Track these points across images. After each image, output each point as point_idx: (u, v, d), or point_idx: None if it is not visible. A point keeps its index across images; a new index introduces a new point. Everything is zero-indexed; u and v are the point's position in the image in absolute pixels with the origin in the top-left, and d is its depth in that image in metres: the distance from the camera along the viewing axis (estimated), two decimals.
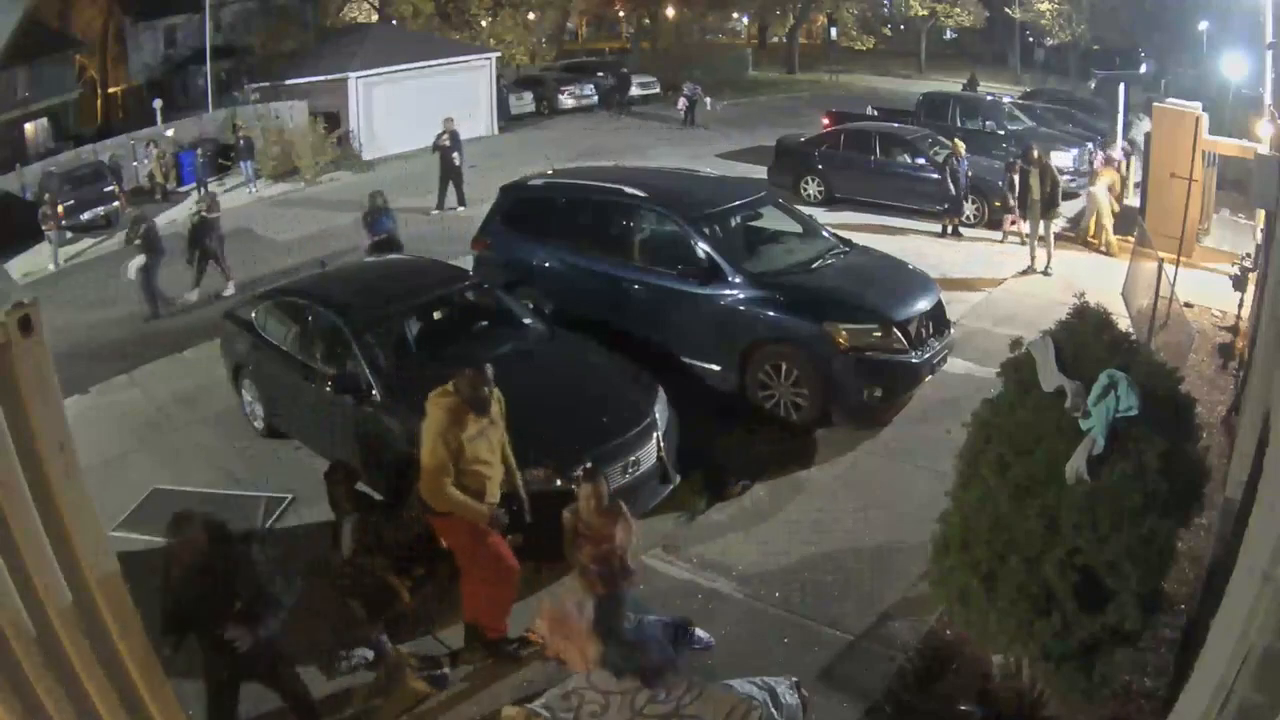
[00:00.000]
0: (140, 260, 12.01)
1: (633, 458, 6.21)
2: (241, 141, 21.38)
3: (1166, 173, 12.34)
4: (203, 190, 20.51)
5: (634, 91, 31.00)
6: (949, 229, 13.56)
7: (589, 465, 5.17)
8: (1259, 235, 10.93)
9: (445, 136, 16.64)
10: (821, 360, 7.52)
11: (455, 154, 16.68)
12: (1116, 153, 14.58)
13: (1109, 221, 12.94)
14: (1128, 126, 15.98)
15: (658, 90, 31.33)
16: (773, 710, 4.64)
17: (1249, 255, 10.65)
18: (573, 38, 52.61)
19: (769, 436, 7.62)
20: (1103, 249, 12.92)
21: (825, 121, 19.66)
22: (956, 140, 14.34)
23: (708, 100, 27.50)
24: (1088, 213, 13.46)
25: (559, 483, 5.70)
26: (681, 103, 26.56)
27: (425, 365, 6.79)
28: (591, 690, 4.88)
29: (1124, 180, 14.11)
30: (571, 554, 5.12)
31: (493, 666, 5.26)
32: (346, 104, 23.62)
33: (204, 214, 12.87)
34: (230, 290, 12.68)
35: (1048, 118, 19.43)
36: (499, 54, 29.44)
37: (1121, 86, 16.62)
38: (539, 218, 9.47)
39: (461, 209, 16.48)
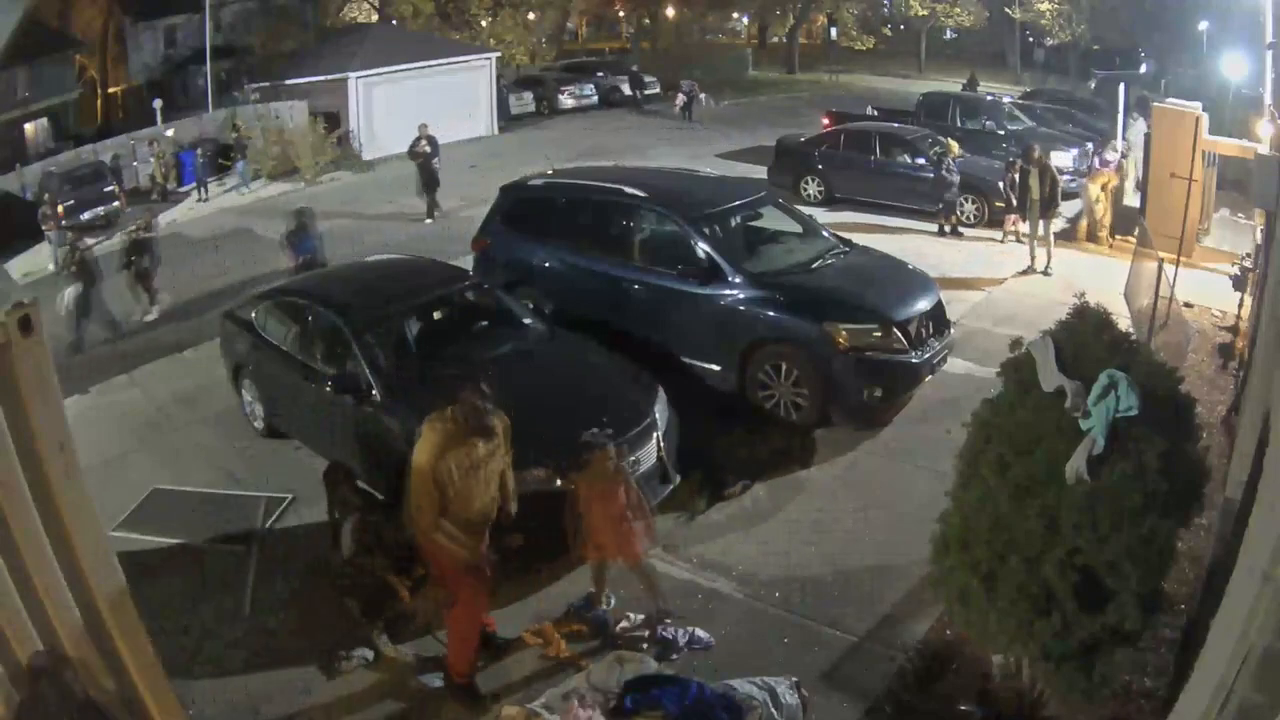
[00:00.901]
0: (75, 289, 11.24)
1: (633, 458, 6.20)
2: (234, 141, 21.37)
3: (1166, 173, 12.34)
4: (203, 190, 20.56)
5: (633, 91, 31.03)
6: (945, 228, 13.58)
7: (594, 431, 5.17)
8: (1259, 235, 10.95)
9: (423, 143, 16.04)
10: (821, 360, 7.52)
11: (435, 160, 16.14)
12: (1112, 154, 14.59)
13: (1100, 212, 13.07)
14: (1126, 127, 15.98)
15: (658, 90, 31.36)
16: (773, 710, 4.65)
17: (1249, 255, 10.66)
18: (573, 38, 52.60)
19: (769, 436, 7.62)
20: (1089, 238, 13.08)
21: (825, 121, 19.66)
22: (950, 140, 14.34)
23: (702, 96, 27.84)
24: (1084, 213, 13.54)
25: (559, 483, 5.69)
26: (679, 99, 27.31)
27: (425, 365, 6.80)
28: (591, 690, 4.90)
29: (1122, 180, 14.13)
30: (572, 525, 5.25)
31: (493, 666, 5.25)
32: (346, 104, 23.64)
33: (138, 234, 12.32)
34: (153, 315, 12.10)
35: (1048, 118, 19.42)
36: (499, 54, 29.46)
37: (1121, 86, 16.60)
38: (539, 218, 9.47)
39: (428, 220, 16.07)
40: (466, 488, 4.74)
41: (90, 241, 12.96)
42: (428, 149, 16.03)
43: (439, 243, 13.38)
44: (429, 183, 16.20)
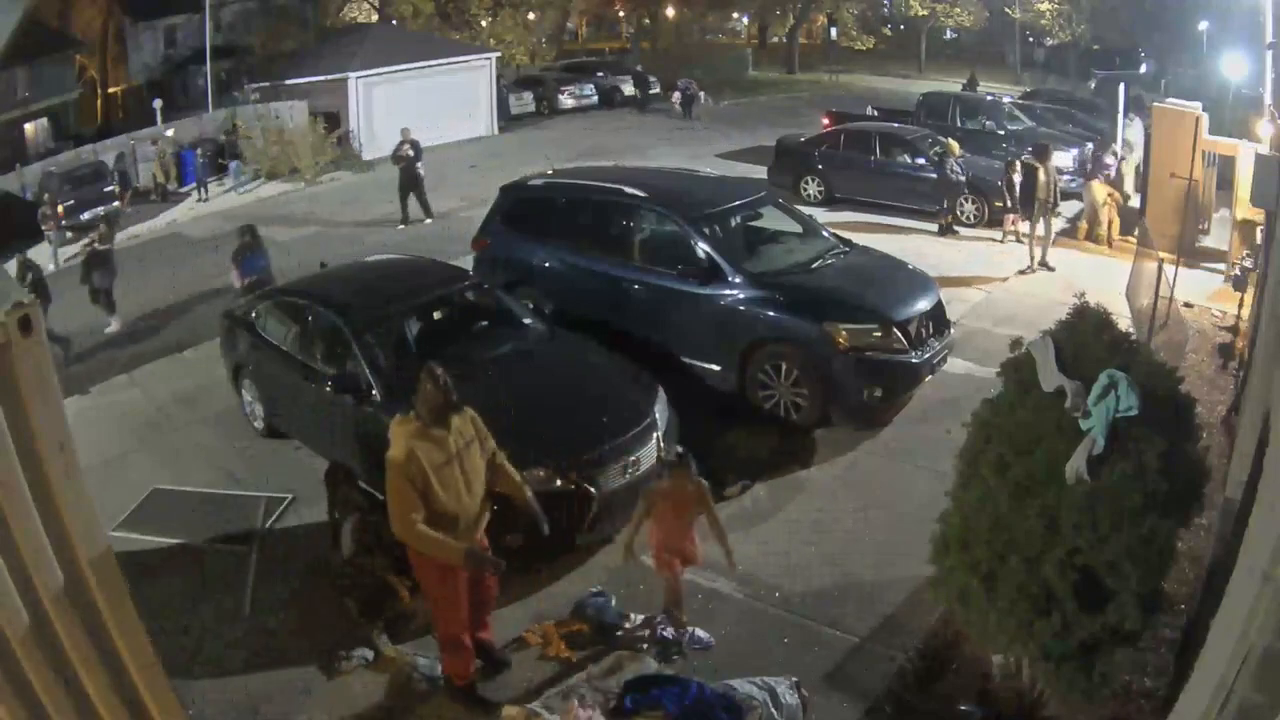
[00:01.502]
0: None
1: (633, 458, 6.20)
2: (226, 142, 21.44)
3: (1166, 173, 12.35)
4: (203, 190, 20.55)
5: (631, 91, 31.05)
6: (943, 225, 13.60)
7: (678, 449, 5.12)
8: (1250, 234, 11.00)
9: (406, 146, 15.74)
10: (821, 360, 7.52)
11: (419, 164, 15.93)
12: (1110, 159, 14.59)
13: (1104, 217, 13.11)
14: (1124, 128, 15.98)
15: (658, 90, 31.40)
16: (773, 710, 4.66)
17: (1249, 254, 10.67)
18: (573, 38, 52.62)
19: (769, 436, 7.62)
20: (1089, 238, 13.18)
21: (825, 121, 19.66)
22: (951, 140, 14.35)
23: (701, 94, 28.15)
24: (1084, 213, 13.58)
25: (559, 483, 5.69)
26: (676, 97, 27.83)
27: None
28: (591, 690, 4.90)
29: (1120, 184, 14.15)
30: (633, 534, 5.21)
31: (493, 665, 5.25)
32: (346, 104, 23.63)
33: (95, 246, 11.91)
34: (113, 328, 11.68)
35: (1048, 118, 19.42)
36: (499, 54, 29.47)
37: (1121, 86, 16.60)
38: (539, 218, 9.47)
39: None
40: (445, 484, 4.56)
41: (40, 262, 12.55)
42: (410, 153, 15.84)
43: (439, 243, 13.38)
44: (413, 187, 16.01)
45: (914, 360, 7.64)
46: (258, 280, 10.22)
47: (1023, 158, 12.52)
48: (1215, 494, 4.90)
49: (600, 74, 32.46)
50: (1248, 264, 10.31)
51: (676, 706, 4.55)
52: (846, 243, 8.96)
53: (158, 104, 24.61)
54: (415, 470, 4.48)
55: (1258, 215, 10.08)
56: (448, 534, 4.58)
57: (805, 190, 15.60)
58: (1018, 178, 12.20)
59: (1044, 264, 11.79)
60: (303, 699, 5.14)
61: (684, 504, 5.22)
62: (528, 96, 29.47)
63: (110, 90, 34.33)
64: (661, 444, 6.43)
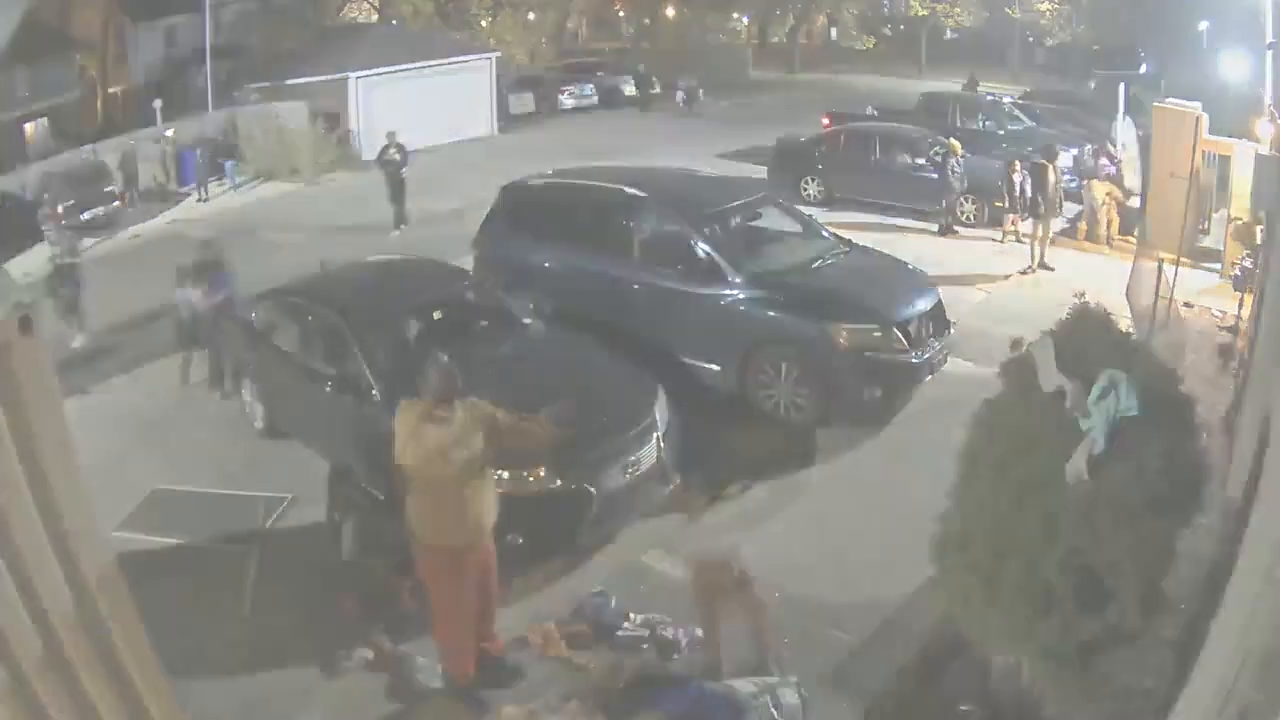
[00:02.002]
0: None
1: (633, 458, 6.20)
2: (221, 141, 21.58)
3: (1166, 173, 12.34)
4: (203, 190, 20.52)
5: (632, 91, 31.06)
6: (945, 223, 13.60)
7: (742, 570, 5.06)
8: (1239, 232, 11.02)
9: (393, 150, 15.62)
10: (821, 360, 7.52)
11: (404, 169, 15.77)
12: (1106, 160, 14.60)
13: (1104, 217, 13.11)
14: (1118, 129, 15.98)
15: (658, 90, 31.42)
16: (773, 710, 4.65)
17: (1248, 255, 10.66)
18: (573, 38, 52.58)
19: (769, 436, 7.62)
20: (1088, 238, 13.21)
21: (825, 121, 19.67)
22: (953, 140, 14.37)
23: (700, 92, 29.19)
24: (1084, 214, 13.59)
25: (559, 482, 5.70)
26: (680, 95, 29.02)
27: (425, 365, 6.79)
28: (591, 690, 4.89)
29: (1122, 185, 14.15)
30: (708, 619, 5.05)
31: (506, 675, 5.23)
32: (346, 104, 23.63)
33: (60, 259, 11.61)
34: (78, 343, 11.09)
35: (1048, 118, 19.43)
36: (499, 54, 29.46)
37: (1121, 86, 16.61)
38: (539, 218, 9.47)
39: (394, 232, 15.67)
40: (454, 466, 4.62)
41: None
42: (397, 157, 15.72)
43: (439, 243, 13.36)
44: (397, 190, 15.88)
45: (914, 360, 7.65)
46: (226, 299, 9.57)
47: (1034, 157, 12.51)
48: (1215, 494, 4.90)
49: (600, 74, 32.48)
50: (1247, 264, 10.31)
51: (676, 706, 4.54)
52: (846, 243, 8.96)
53: (158, 104, 24.56)
54: (428, 444, 4.53)
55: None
56: (452, 519, 4.63)
57: (805, 190, 15.59)
58: (1018, 178, 12.20)
59: (1044, 264, 11.81)
60: (303, 699, 5.14)
61: (737, 604, 5.12)
62: (528, 96, 29.49)
63: (110, 90, 34.27)
64: (661, 444, 6.44)
